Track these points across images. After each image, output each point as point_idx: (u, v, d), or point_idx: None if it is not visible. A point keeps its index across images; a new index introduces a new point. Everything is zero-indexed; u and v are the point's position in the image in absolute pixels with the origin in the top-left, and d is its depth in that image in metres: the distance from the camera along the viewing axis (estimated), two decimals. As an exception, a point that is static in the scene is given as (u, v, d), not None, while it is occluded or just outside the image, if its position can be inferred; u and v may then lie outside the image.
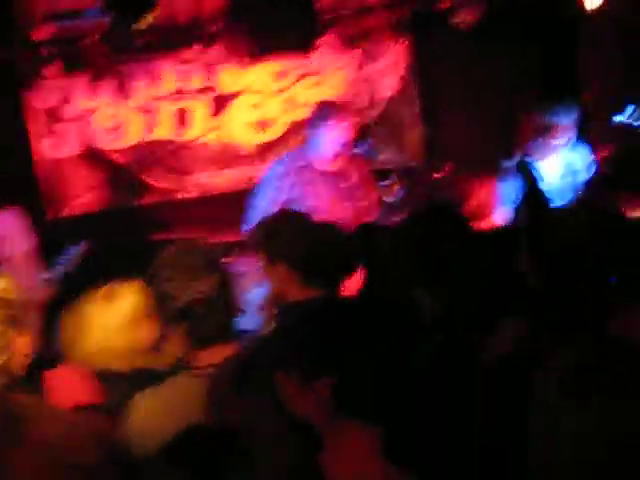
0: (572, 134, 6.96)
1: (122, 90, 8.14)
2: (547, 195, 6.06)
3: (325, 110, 6.43)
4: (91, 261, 6.02)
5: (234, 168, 8.47)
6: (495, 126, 8.49)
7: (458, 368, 3.05)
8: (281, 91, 8.52)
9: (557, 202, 7.03)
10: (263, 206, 6.20)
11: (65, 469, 1.42)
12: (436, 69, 8.80)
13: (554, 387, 2.70)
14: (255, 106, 8.48)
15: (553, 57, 8.76)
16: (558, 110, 6.92)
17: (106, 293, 3.84)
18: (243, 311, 6.24)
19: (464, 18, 7.99)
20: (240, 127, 8.45)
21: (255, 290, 6.51)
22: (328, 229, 3.60)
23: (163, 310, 3.20)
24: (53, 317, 4.04)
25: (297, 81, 8.55)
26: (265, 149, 8.51)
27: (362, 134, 7.90)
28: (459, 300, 3.34)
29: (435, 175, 6.58)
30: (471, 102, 8.70)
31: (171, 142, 8.30)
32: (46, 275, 5.99)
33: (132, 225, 7.90)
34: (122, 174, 8.17)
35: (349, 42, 8.60)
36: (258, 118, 8.50)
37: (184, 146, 8.30)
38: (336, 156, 6.29)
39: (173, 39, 8.17)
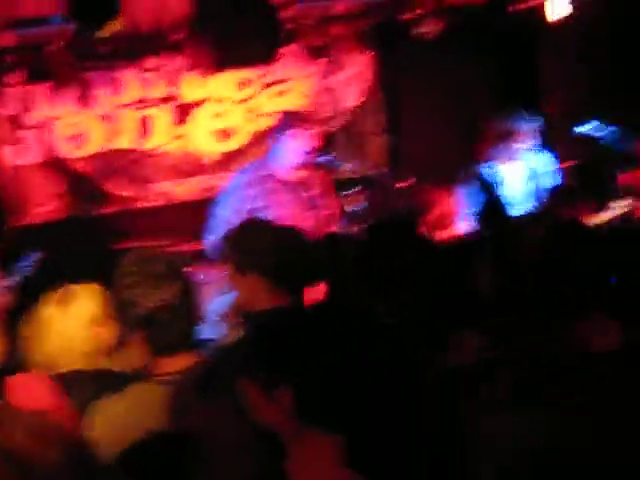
0: (534, 140, 7.05)
1: (84, 98, 8.09)
2: (507, 203, 6.10)
3: (288, 119, 6.44)
4: (49, 268, 5.98)
5: (197, 177, 8.45)
6: (458, 136, 8.55)
7: (412, 379, 3.06)
8: (244, 100, 8.52)
9: (519, 208, 7.09)
10: (225, 216, 6.19)
11: (28, 472, 1.41)
12: (400, 79, 8.84)
13: (503, 390, 2.72)
14: (218, 115, 8.47)
15: (515, 67, 8.83)
16: (519, 116, 7.01)
17: (63, 296, 3.84)
18: (206, 320, 6.22)
19: (428, 29, 8.03)
20: (203, 136, 8.44)
21: (217, 299, 6.51)
22: (295, 235, 3.62)
23: (125, 317, 3.18)
24: (13, 324, 4.02)
25: (261, 90, 8.55)
26: (228, 158, 8.49)
27: (326, 144, 7.92)
28: (413, 312, 3.35)
29: (399, 185, 6.59)
30: (435, 112, 8.74)
31: (133, 151, 8.26)
32: (5, 282, 5.95)
33: (93, 234, 7.86)
34: (84, 183, 8.12)
35: (313, 52, 8.62)
36: (221, 127, 8.49)
37: (146, 155, 8.27)
38: (299, 166, 6.30)
39: (136, 48, 8.14)
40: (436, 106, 8.75)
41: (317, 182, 6.54)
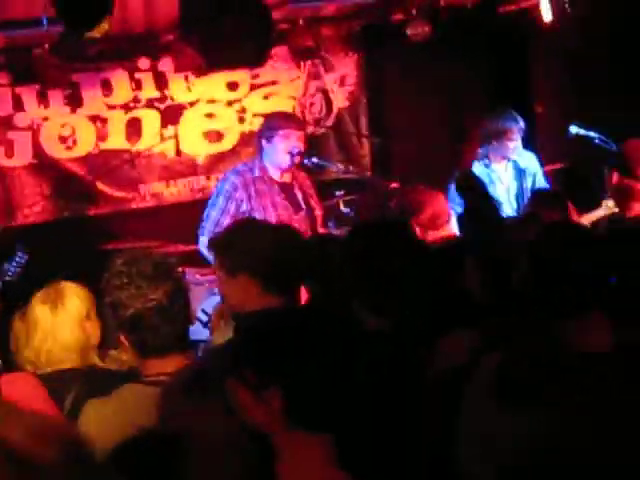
0: (521, 139, 7.10)
1: (74, 99, 8.07)
2: (495, 204, 6.10)
3: (277, 121, 6.44)
4: (35, 268, 5.97)
5: (187, 178, 8.45)
6: (449, 136, 8.56)
7: (408, 379, 3.06)
8: (234, 102, 8.52)
9: (508, 208, 7.11)
10: (217, 217, 6.19)
11: (27, 471, 1.40)
12: (390, 80, 8.84)
13: (485, 390, 2.72)
14: (208, 116, 8.47)
15: (505, 68, 8.84)
16: (511, 115, 7.04)
17: (52, 293, 3.85)
18: (196, 321, 6.23)
19: (417, 31, 8.03)
20: (193, 137, 8.43)
21: (208, 300, 6.52)
22: (287, 235, 3.61)
23: (114, 318, 3.17)
24: (1, 324, 4.02)
25: (250, 92, 8.55)
26: (218, 159, 8.49)
27: (315, 145, 7.92)
28: (402, 314, 3.35)
29: (389, 186, 6.59)
30: (425, 113, 8.75)
31: (123, 152, 8.25)
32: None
33: (83, 235, 7.84)
34: (74, 184, 8.10)
35: (303, 53, 8.62)
36: (211, 128, 8.49)
37: (137, 156, 8.25)
38: (288, 167, 6.30)
39: (126, 49, 8.13)
40: (426, 107, 8.76)
41: (306, 183, 6.55)
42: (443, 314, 3.45)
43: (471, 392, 2.84)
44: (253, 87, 8.55)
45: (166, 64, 8.28)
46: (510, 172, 7.29)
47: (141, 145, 8.27)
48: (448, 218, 5.55)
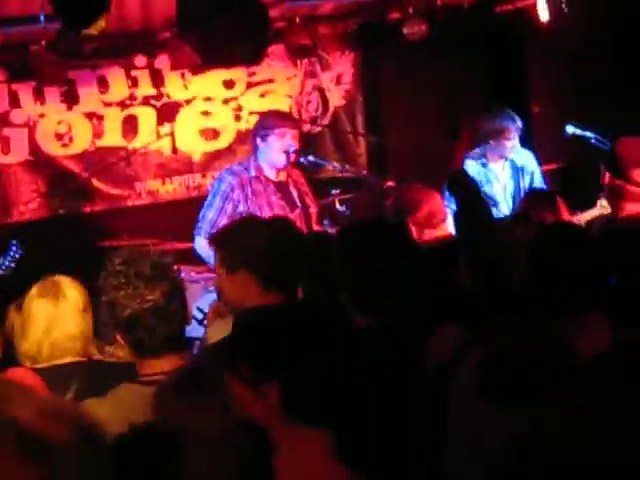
0: (518, 138, 7.12)
1: (70, 97, 8.07)
2: (487, 202, 6.09)
3: (272, 119, 6.44)
4: (29, 265, 5.97)
5: (183, 176, 8.45)
6: (443, 136, 8.56)
7: (405, 376, 3.08)
8: (230, 100, 8.52)
9: (504, 206, 7.12)
10: (213, 217, 6.19)
11: (41, 452, 1.40)
12: (386, 79, 8.84)
13: (471, 388, 2.73)
14: (204, 114, 8.46)
15: (502, 67, 8.85)
16: (508, 114, 7.06)
17: (49, 286, 3.86)
18: (193, 319, 6.22)
19: (414, 30, 8.03)
20: (189, 135, 8.43)
21: (204, 298, 6.51)
22: (287, 232, 3.64)
23: (111, 317, 3.17)
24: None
25: (247, 90, 8.55)
26: (214, 157, 8.49)
27: (311, 143, 7.92)
28: (407, 314, 3.36)
29: (386, 185, 6.59)
30: (421, 112, 8.75)
31: (119, 149, 8.25)
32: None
33: (79, 232, 7.84)
34: (70, 181, 8.10)
35: (300, 51, 8.62)
36: (207, 126, 8.48)
37: (133, 153, 8.25)
38: (283, 166, 6.30)
39: (122, 46, 8.12)
40: (423, 106, 8.77)
41: (300, 181, 6.55)
42: (439, 313, 3.47)
43: (456, 391, 2.86)
44: (249, 85, 8.55)
45: (162, 61, 8.28)
46: (507, 171, 7.31)
47: (137, 142, 8.27)
48: (444, 217, 5.56)
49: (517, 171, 7.30)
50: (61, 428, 1.41)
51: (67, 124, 8.08)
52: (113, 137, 8.21)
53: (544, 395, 2.55)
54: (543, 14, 7.94)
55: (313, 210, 6.55)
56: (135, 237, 7.10)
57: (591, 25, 8.23)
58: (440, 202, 5.63)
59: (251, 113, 8.41)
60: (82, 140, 8.12)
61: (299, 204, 6.43)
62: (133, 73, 8.24)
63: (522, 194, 7.05)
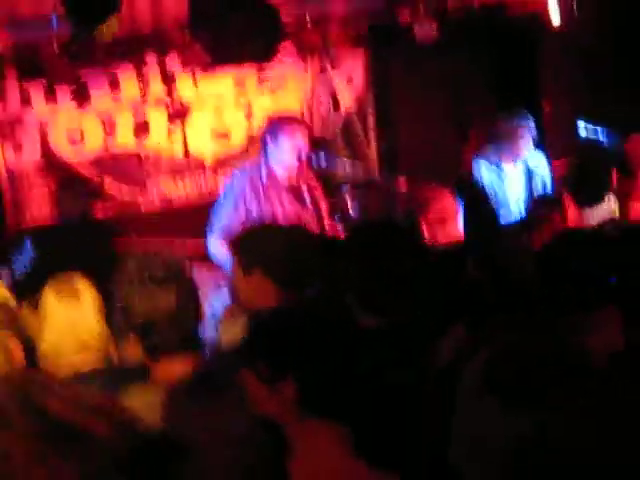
0: (533, 139, 7.12)
1: (81, 97, 8.08)
2: (494, 208, 6.10)
3: (282, 121, 6.46)
4: (42, 268, 5.99)
5: (195, 176, 8.46)
6: (454, 135, 8.56)
7: (418, 375, 3.10)
8: (242, 99, 8.52)
9: (515, 207, 7.13)
10: (226, 217, 6.22)
11: (77, 446, 1.40)
12: (397, 80, 8.84)
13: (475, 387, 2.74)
14: (215, 113, 8.47)
15: (513, 65, 8.84)
16: (522, 114, 7.06)
17: (65, 286, 3.86)
18: (205, 320, 6.24)
19: (424, 32, 8.03)
20: (201, 133, 8.44)
21: (217, 298, 6.53)
22: (298, 233, 3.69)
23: (125, 321, 3.19)
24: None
25: (257, 89, 8.55)
26: (226, 156, 8.49)
27: (321, 144, 7.93)
28: (399, 316, 3.38)
29: (397, 184, 6.61)
30: (432, 112, 8.75)
31: (131, 150, 8.26)
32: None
33: (91, 233, 7.84)
34: (82, 184, 8.10)
35: (309, 52, 8.61)
36: (218, 126, 8.49)
37: (144, 155, 8.26)
38: (294, 166, 6.32)
39: (133, 46, 8.13)
40: (433, 105, 8.77)
41: (311, 178, 6.56)
42: (451, 313, 3.48)
43: (461, 390, 2.87)
44: (260, 84, 8.55)
45: (173, 62, 8.28)
46: (519, 172, 7.30)
47: (149, 143, 8.28)
48: (455, 214, 5.56)
49: (529, 172, 7.30)
50: (100, 422, 1.42)
51: (78, 126, 8.09)
52: (124, 139, 8.22)
53: (548, 398, 2.56)
54: (555, 18, 7.94)
55: (324, 207, 6.57)
56: (147, 236, 7.12)
57: (599, 23, 8.24)
58: (451, 199, 5.64)
59: (263, 114, 8.40)
60: (93, 142, 8.13)
61: (309, 202, 6.45)
62: (144, 73, 8.24)
63: (533, 196, 7.05)
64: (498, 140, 7.24)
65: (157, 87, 8.29)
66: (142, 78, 8.24)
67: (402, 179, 6.66)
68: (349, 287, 3.55)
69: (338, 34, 8.67)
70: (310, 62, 8.66)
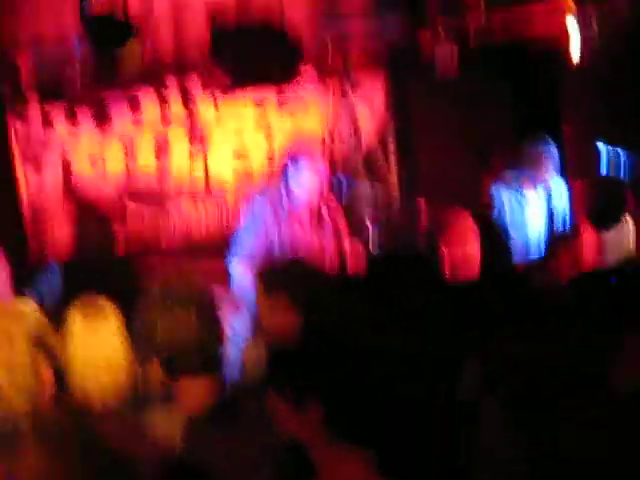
0: (554, 167, 7.12)
1: (102, 119, 8.12)
2: (509, 246, 6.08)
3: (304, 144, 6.50)
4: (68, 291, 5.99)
5: (215, 199, 8.48)
6: (474, 159, 8.56)
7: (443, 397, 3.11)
8: (262, 122, 8.54)
9: (535, 233, 7.12)
10: (247, 239, 6.25)
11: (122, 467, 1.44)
12: (416, 101, 8.85)
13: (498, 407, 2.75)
14: (236, 135, 8.50)
15: (533, 97, 8.85)
16: (545, 141, 7.06)
17: (91, 309, 3.85)
18: (227, 341, 6.25)
19: (444, 55, 8.05)
20: (221, 158, 8.46)
21: (238, 320, 6.55)
22: (320, 268, 3.79)
23: (146, 342, 3.21)
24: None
25: (277, 110, 8.58)
26: (247, 178, 8.51)
27: (341, 166, 7.96)
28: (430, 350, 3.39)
29: (417, 207, 6.63)
30: (451, 135, 8.75)
31: (152, 173, 8.29)
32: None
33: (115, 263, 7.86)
34: (103, 208, 8.12)
35: (329, 72, 8.63)
36: (239, 149, 8.51)
37: (164, 175, 8.30)
38: (315, 189, 6.34)
39: (154, 68, 8.18)
40: (453, 129, 8.77)
41: (332, 204, 6.59)
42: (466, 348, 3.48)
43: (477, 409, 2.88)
44: (280, 107, 8.57)
45: (193, 83, 8.32)
46: (540, 198, 7.30)
47: (169, 164, 8.31)
48: (476, 236, 5.56)
49: (550, 199, 7.30)
50: (142, 445, 1.45)
51: (100, 147, 8.13)
52: (146, 159, 8.25)
53: (559, 408, 2.58)
54: (576, 56, 7.96)
55: (344, 227, 6.59)
56: (168, 255, 7.15)
57: (619, 57, 8.26)
58: (471, 222, 5.64)
59: (283, 135, 8.41)
60: (115, 163, 8.17)
61: (330, 222, 6.47)
62: (164, 94, 8.28)
63: (553, 221, 7.06)
64: (520, 166, 7.24)
65: (178, 107, 8.33)
66: (162, 99, 8.28)
67: (422, 202, 6.66)
68: (359, 319, 3.58)
69: (358, 57, 8.69)
70: (331, 85, 8.68)
